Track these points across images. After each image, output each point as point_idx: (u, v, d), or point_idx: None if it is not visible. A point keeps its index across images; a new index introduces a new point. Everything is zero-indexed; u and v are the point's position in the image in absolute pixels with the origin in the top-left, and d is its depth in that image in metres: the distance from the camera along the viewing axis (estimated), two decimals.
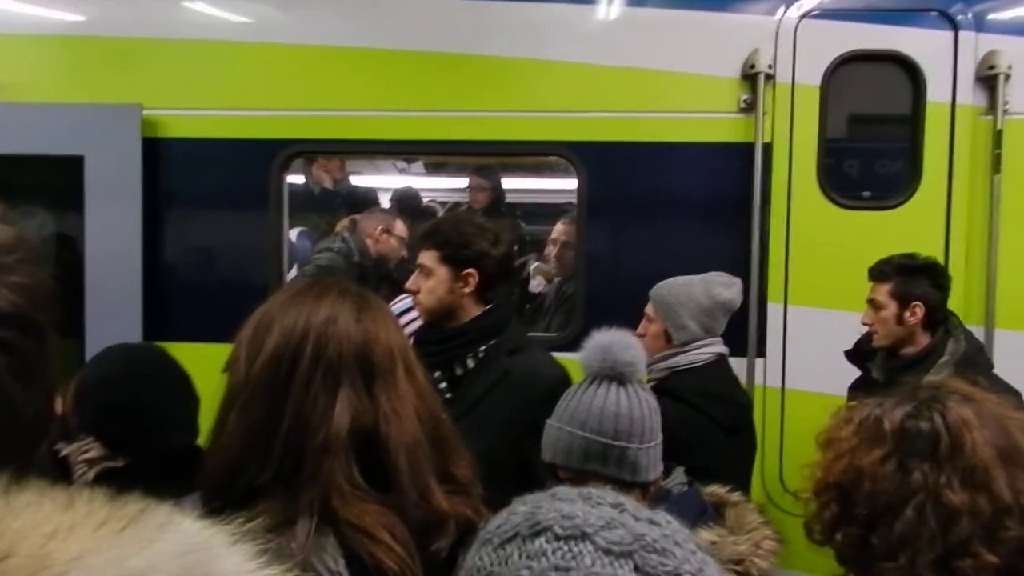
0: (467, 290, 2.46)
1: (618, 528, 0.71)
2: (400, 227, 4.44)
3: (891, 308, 3.01)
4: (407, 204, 5.04)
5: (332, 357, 1.23)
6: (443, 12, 3.60)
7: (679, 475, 1.90)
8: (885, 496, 1.22)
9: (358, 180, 5.48)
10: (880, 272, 3.06)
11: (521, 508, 0.77)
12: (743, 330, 3.37)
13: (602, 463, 1.75)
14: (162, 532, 0.59)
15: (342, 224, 4.54)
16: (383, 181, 6.08)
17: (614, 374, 1.78)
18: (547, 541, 0.71)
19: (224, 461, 1.22)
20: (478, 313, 2.48)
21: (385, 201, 5.20)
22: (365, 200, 4.95)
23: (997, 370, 3.26)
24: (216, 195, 3.61)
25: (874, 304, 3.06)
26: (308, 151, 3.82)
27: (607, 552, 0.69)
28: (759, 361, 3.43)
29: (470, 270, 2.45)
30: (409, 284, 2.57)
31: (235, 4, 3.67)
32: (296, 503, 1.17)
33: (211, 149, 3.57)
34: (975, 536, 1.17)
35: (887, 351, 3.07)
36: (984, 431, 1.23)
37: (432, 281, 2.47)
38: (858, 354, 3.16)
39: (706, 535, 1.74)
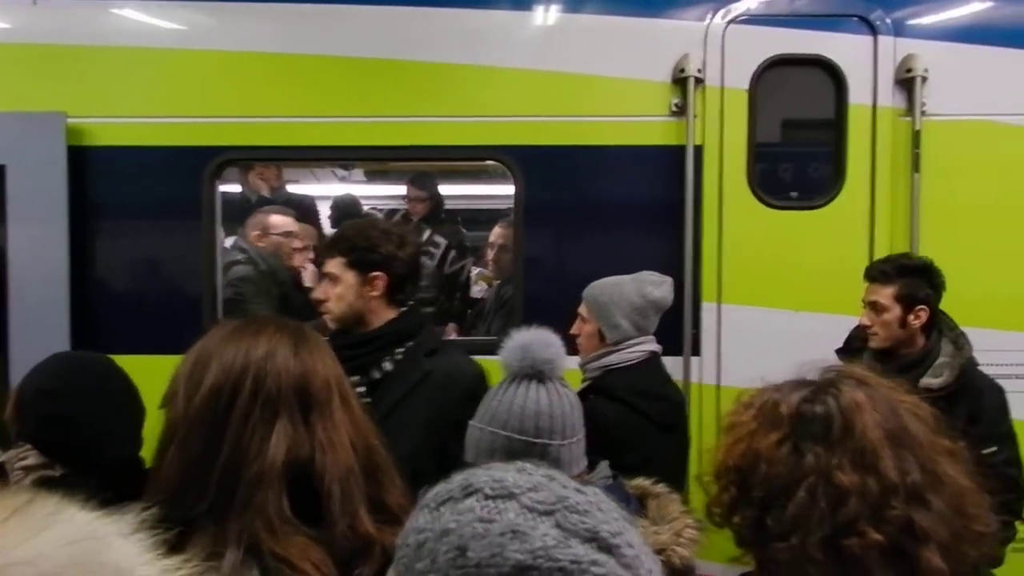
0: (375, 294, 2.46)
1: (544, 491, 0.74)
2: (277, 222, 4.32)
3: (895, 311, 2.94)
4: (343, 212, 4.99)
5: (271, 390, 1.28)
6: (379, 19, 3.59)
7: (604, 469, 1.92)
8: (780, 479, 1.25)
9: (297, 188, 5.42)
10: (882, 273, 2.99)
11: (457, 476, 0.80)
12: (678, 329, 3.43)
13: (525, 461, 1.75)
14: (50, 521, 0.59)
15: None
16: (323, 189, 6.04)
17: (534, 372, 1.79)
18: (476, 500, 0.75)
19: (162, 493, 1.25)
20: (389, 316, 2.49)
21: (325, 209, 5.16)
22: (303, 208, 4.89)
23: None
24: (146, 204, 3.53)
25: (875, 306, 2.98)
26: (240, 158, 3.77)
27: (531, 509, 0.72)
28: (694, 359, 3.50)
29: (377, 273, 2.46)
30: (316, 293, 2.56)
31: (163, 11, 3.60)
32: (225, 534, 1.20)
33: (140, 157, 3.50)
34: (862, 516, 1.20)
35: (882, 352, 3.01)
36: (875, 414, 1.26)
37: (340, 288, 2.47)
38: (850, 352, 3.11)
39: (664, 534, 1.77)
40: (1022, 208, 3.47)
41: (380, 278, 2.46)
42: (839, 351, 3.17)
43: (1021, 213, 3.47)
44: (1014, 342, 3.48)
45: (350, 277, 2.46)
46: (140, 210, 3.53)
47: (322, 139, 3.56)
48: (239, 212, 4.43)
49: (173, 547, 1.09)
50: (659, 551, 1.68)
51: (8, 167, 3.31)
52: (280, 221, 4.36)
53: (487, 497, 0.75)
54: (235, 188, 4.79)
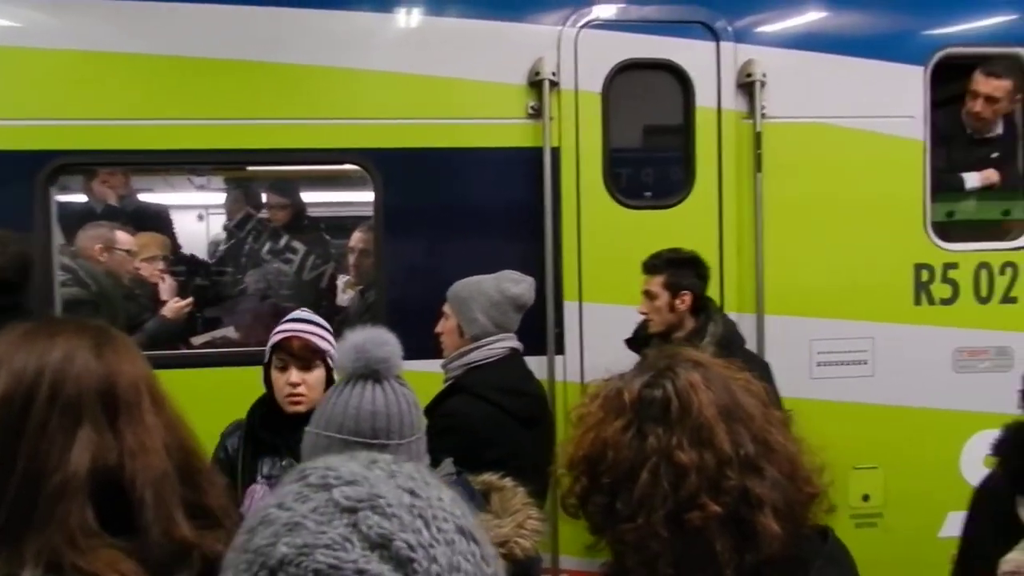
0: None
1: (363, 486, 0.71)
2: (123, 238, 4.14)
3: (664, 298, 3.28)
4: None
5: (71, 396, 1.20)
6: (235, 19, 3.45)
7: (447, 466, 1.91)
8: (626, 463, 1.29)
9: (148, 196, 5.16)
10: (652, 266, 3.32)
11: (316, 463, 0.77)
12: (542, 329, 3.48)
13: None
14: None
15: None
16: (178, 197, 5.77)
17: (369, 372, 1.76)
18: (298, 486, 0.72)
19: None
20: None
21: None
22: (152, 217, 4.65)
23: (767, 350, 3.59)
24: None
25: (649, 295, 3.31)
26: (76, 162, 3.53)
27: (336, 504, 0.69)
28: (559, 358, 3.55)
29: None
30: None
31: None
32: (22, 554, 1.11)
33: None
34: (701, 489, 1.26)
35: (660, 336, 3.29)
36: (709, 392, 1.32)
37: None
38: (637, 341, 3.36)
39: (506, 527, 1.77)
40: (854, 203, 3.72)
41: None
42: (628, 341, 3.35)
43: (853, 208, 3.72)
44: (850, 330, 3.73)
45: None
46: None
47: (169, 143, 3.40)
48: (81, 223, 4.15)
49: None
50: (501, 543, 1.69)
51: None
52: (126, 238, 4.12)
53: (307, 485, 0.72)
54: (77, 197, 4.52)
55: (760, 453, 1.31)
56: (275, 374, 2.41)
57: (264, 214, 4.59)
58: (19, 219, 3.25)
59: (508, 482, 1.90)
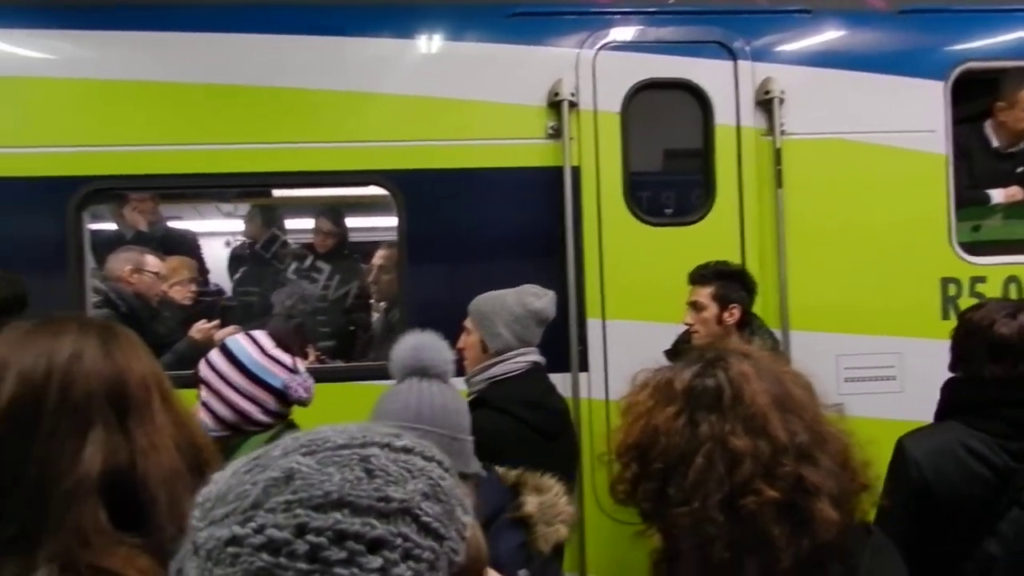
0: None
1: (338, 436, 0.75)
2: (152, 262, 4.23)
3: (712, 310, 3.26)
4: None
5: (80, 397, 1.17)
6: (256, 47, 3.55)
7: (475, 464, 1.94)
8: (678, 449, 1.32)
9: (177, 222, 5.26)
10: (701, 277, 3.31)
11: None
12: (565, 346, 3.49)
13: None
14: None
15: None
16: (206, 224, 5.88)
17: (436, 372, 1.81)
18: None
19: None
20: None
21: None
22: (181, 241, 4.75)
23: (793, 366, 3.55)
24: (7, 238, 3.34)
25: (696, 306, 3.29)
26: (108, 187, 3.62)
27: (304, 448, 0.74)
28: (583, 375, 3.55)
29: None
30: None
31: (25, 39, 3.46)
32: (35, 557, 1.10)
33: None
34: (757, 475, 1.28)
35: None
36: (761, 382, 1.35)
37: None
38: (677, 353, 3.33)
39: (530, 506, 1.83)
40: (877, 217, 3.71)
41: None
42: (667, 352, 3.34)
43: (876, 222, 3.71)
44: (877, 345, 3.69)
45: None
46: (2, 244, 3.34)
47: (196, 167, 3.47)
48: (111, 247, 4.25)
49: None
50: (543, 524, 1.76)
51: None
52: (154, 261, 4.21)
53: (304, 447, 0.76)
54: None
55: (814, 442, 1.34)
56: None
57: (289, 236, 4.67)
58: (52, 244, 3.35)
59: (521, 471, 1.94)
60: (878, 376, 3.67)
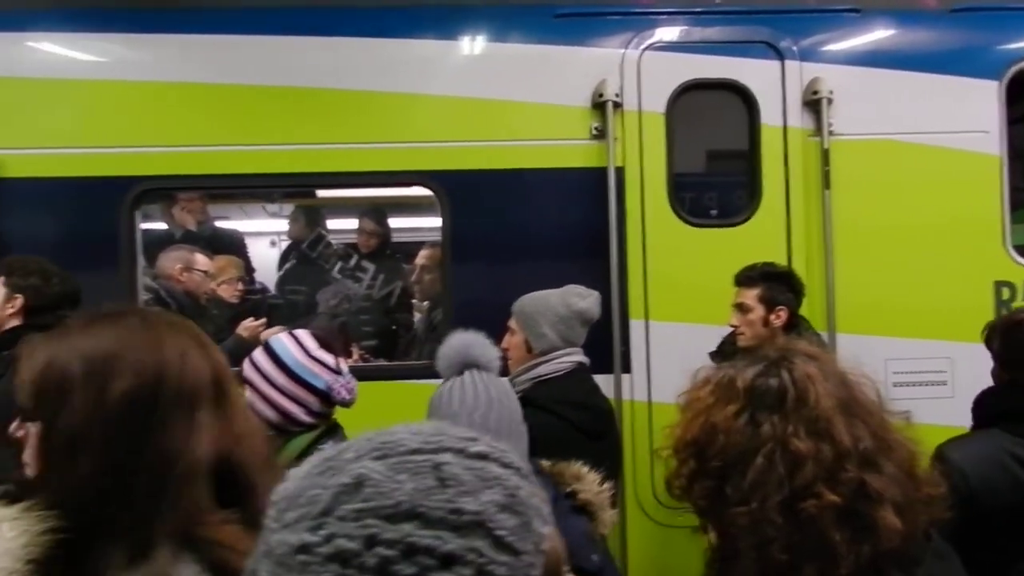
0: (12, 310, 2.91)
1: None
2: (201, 260, 4.33)
3: (758, 311, 3.23)
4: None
5: (189, 388, 1.25)
6: (302, 49, 3.61)
7: None
8: (737, 448, 1.30)
9: (225, 223, 5.35)
10: (747, 278, 3.28)
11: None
12: (608, 348, 3.48)
13: None
14: None
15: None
16: (252, 225, 5.97)
17: (487, 366, 1.84)
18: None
19: (70, 504, 1.17)
20: None
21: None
22: (228, 240, 4.83)
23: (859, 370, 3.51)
24: (63, 237, 3.44)
25: (742, 307, 3.27)
26: (160, 187, 3.70)
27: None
28: (625, 377, 3.54)
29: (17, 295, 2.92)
30: None
31: (79, 42, 3.56)
32: (152, 536, 1.17)
33: (56, 188, 3.42)
34: (818, 479, 1.26)
35: (749, 351, 3.22)
36: (826, 384, 1.33)
37: None
38: (722, 355, 3.30)
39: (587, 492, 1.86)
40: (928, 219, 3.64)
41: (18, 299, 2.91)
42: (712, 354, 3.30)
43: (927, 224, 3.64)
44: (927, 350, 3.62)
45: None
46: (56, 243, 3.43)
47: (245, 167, 3.53)
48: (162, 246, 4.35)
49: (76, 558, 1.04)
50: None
51: None
52: (204, 260, 4.31)
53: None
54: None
55: (879, 449, 1.31)
56: None
57: (334, 236, 4.73)
58: (106, 242, 3.43)
59: (555, 460, 1.95)
60: (928, 381, 3.60)
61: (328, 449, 0.74)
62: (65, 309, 2.92)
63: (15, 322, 2.92)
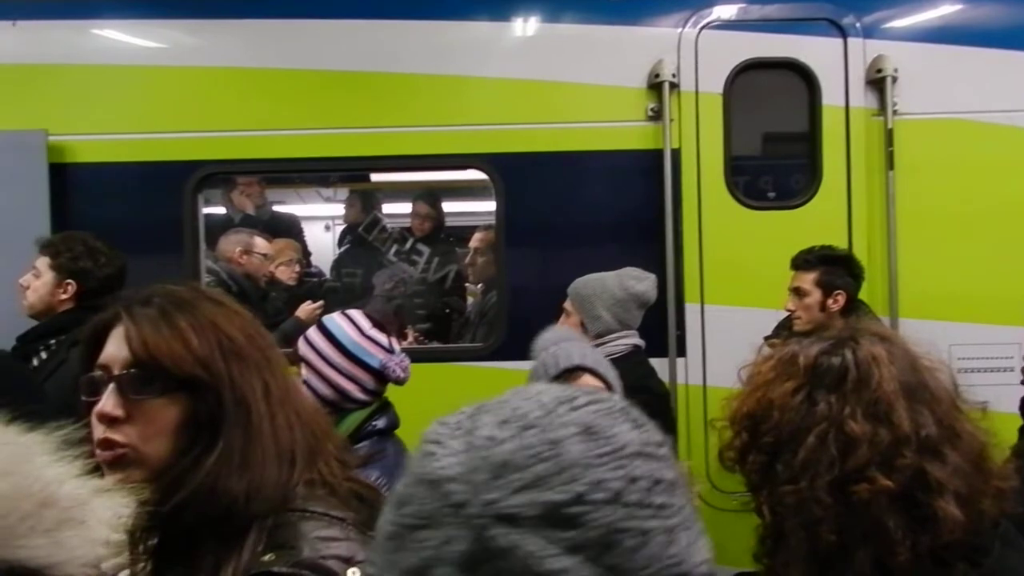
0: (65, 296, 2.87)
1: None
2: (260, 243, 4.40)
3: (815, 296, 3.19)
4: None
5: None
6: (358, 33, 3.63)
7: None
8: (791, 425, 1.28)
9: (281, 207, 5.44)
10: (805, 262, 3.23)
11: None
12: (663, 331, 3.45)
13: None
14: None
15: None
16: (307, 209, 6.06)
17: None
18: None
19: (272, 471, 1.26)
20: None
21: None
22: (286, 224, 4.92)
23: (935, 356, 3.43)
24: (127, 221, 3.53)
25: (799, 292, 3.23)
26: (221, 171, 3.78)
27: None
28: (680, 361, 3.51)
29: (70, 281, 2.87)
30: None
31: (140, 29, 3.64)
32: (294, 476, 1.26)
33: (121, 173, 3.52)
34: (872, 463, 1.23)
35: (805, 336, 3.18)
36: (892, 367, 1.29)
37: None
38: (778, 340, 3.26)
39: None
40: (996, 201, 3.52)
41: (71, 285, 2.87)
42: (768, 339, 3.23)
43: (995, 206, 3.52)
44: (994, 335, 3.52)
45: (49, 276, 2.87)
46: (122, 227, 3.51)
47: (303, 151, 3.58)
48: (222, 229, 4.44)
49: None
50: None
51: None
52: (263, 243, 4.39)
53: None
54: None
55: (944, 437, 1.27)
56: None
57: (389, 220, 4.77)
58: (170, 225, 3.52)
59: None
60: (995, 367, 3.49)
61: (490, 425, 0.73)
62: (116, 289, 2.89)
63: (68, 306, 2.90)
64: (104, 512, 0.65)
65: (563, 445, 0.69)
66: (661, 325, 3.44)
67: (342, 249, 4.91)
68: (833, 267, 3.21)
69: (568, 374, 1.90)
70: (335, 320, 2.25)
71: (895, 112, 3.51)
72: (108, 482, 0.68)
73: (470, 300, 4.71)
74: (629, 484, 0.68)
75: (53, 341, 2.81)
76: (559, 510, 0.67)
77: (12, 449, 0.59)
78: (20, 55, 3.55)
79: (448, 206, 4.97)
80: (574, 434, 0.70)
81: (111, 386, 1.24)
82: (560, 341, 1.96)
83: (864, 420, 1.26)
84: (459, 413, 0.76)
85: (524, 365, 3.51)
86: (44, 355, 2.79)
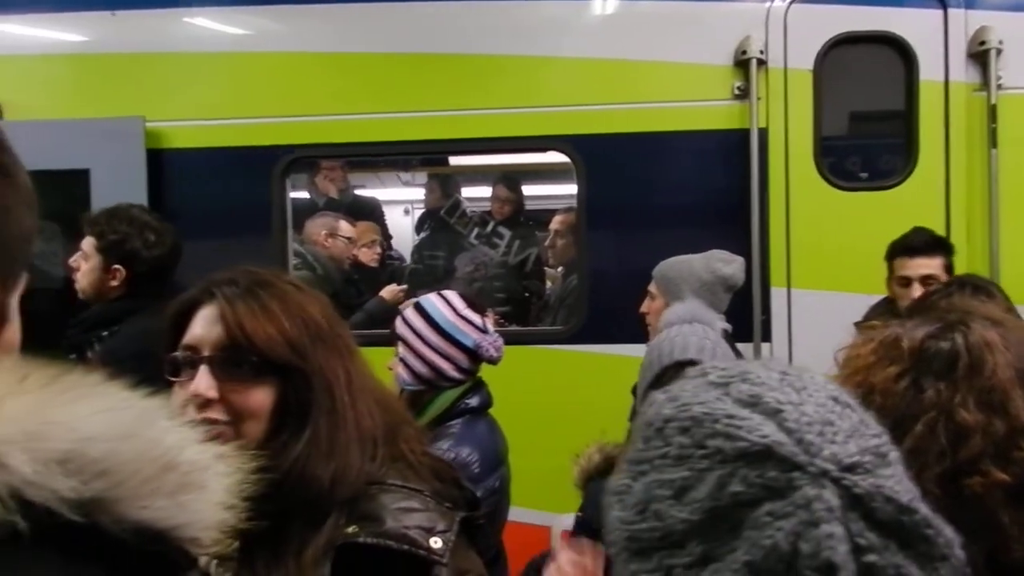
0: (115, 283, 2.74)
1: (734, 370, 0.82)
2: (345, 227, 4.46)
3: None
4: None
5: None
6: (437, 15, 3.65)
7: None
8: (895, 412, 1.21)
9: (363, 191, 5.54)
10: (928, 245, 3.07)
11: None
12: (748, 315, 3.38)
13: None
14: (92, 392, 0.60)
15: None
16: (388, 193, 6.14)
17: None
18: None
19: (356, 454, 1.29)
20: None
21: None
22: (367, 207, 5.00)
23: None
24: (219, 204, 3.64)
25: (929, 280, 3.00)
26: (308, 155, 3.86)
27: (709, 383, 0.80)
28: (765, 345, 3.43)
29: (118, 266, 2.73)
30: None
31: (231, 16, 3.74)
32: (378, 454, 1.30)
33: (213, 158, 3.63)
34: (986, 454, 1.16)
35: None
36: (1007, 354, 1.21)
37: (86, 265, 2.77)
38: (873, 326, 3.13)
39: None
40: None
41: (119, 271, 2.73)
42: (858, 324, 3.10)
43: None
44: None
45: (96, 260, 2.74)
46: (214, 210, 3.64)
47: (386, 135, 3.62)
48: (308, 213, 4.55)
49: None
50: None
51: (92, 170, 3.47)
52: (347, 227, 4.48)
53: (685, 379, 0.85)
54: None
55: None
56: None
57: (469, 203, 4.80)
58: (259, 209, 3.62)
59: None
60: None
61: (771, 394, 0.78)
62: (169, 269, 2.81)
63: (118, 292, 2.73)
64: (225, 478, 0.66)
65: (848, 404, 0.80)
66: (746, 309, 3.37)
67: (423, 232, 4.96)
68: (948, 252, 3.07)
69: (680, 367, 1.87)
70: (431, 300, 2.28)
71: (999, 86, 3.33)
72: (228, 449, 0.69)
73: (549, 283, 4.70)
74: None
75: (105, 332, 2.69)
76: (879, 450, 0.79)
77: (135, 412, 0.61)
78: (118, 44, 3.69)
79: (528, 189, 4.97)
80: (837, 398, 0.81)
81: (203, 367, 1.24)
82: (688, 319, 1.92)
83: (977, 409, 1.18)
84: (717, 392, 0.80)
85: (604, 348, 3.52)
86: (97, 347, 2.68)
